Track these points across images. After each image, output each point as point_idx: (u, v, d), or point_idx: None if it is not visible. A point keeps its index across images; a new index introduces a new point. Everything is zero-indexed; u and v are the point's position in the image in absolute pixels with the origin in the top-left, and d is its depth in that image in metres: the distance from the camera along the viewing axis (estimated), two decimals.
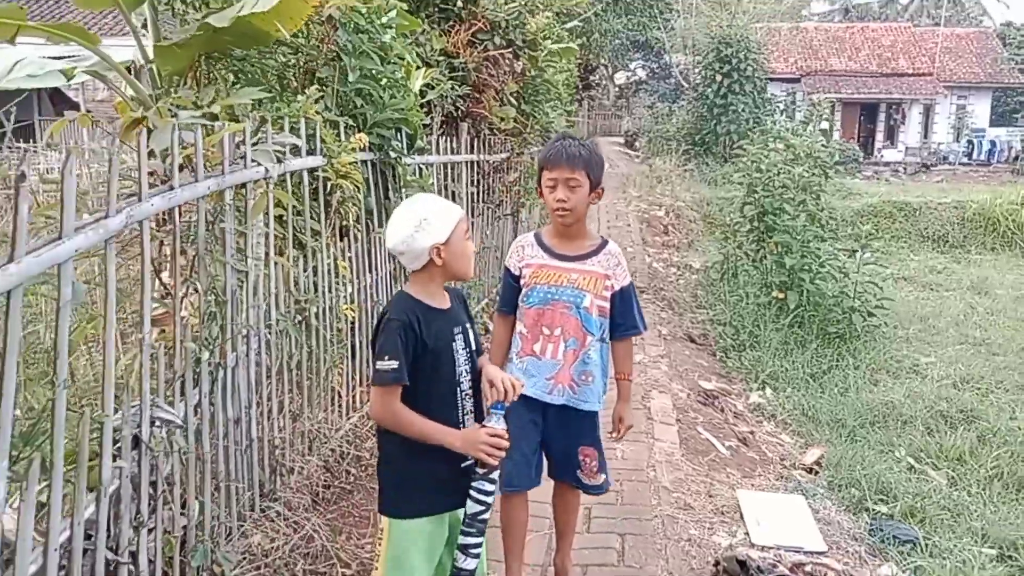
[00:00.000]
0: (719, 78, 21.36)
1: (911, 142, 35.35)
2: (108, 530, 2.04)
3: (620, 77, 40.12)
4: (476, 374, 2.42)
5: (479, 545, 2.30)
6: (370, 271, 4.52)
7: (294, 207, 3.33)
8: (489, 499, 2.29)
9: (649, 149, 24.05)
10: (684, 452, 4.88)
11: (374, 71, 4.44)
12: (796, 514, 4.11)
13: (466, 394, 2.39)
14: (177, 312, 2.34)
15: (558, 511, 3.19)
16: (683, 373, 6.55)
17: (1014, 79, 36.29)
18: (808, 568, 3.61)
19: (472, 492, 2.27)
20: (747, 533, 3.86)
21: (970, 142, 34.76)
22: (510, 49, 7.03)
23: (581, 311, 2.90)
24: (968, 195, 17.44)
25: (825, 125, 10.73)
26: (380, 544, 2.35)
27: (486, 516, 2.30)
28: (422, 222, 2.24)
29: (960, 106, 36.33)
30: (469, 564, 2.29)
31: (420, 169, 5.43)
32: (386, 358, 2.23)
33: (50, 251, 1.58)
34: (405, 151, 4.93)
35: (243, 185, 2.89)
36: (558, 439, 3.01)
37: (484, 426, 2.27)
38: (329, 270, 3.79)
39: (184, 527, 2.50)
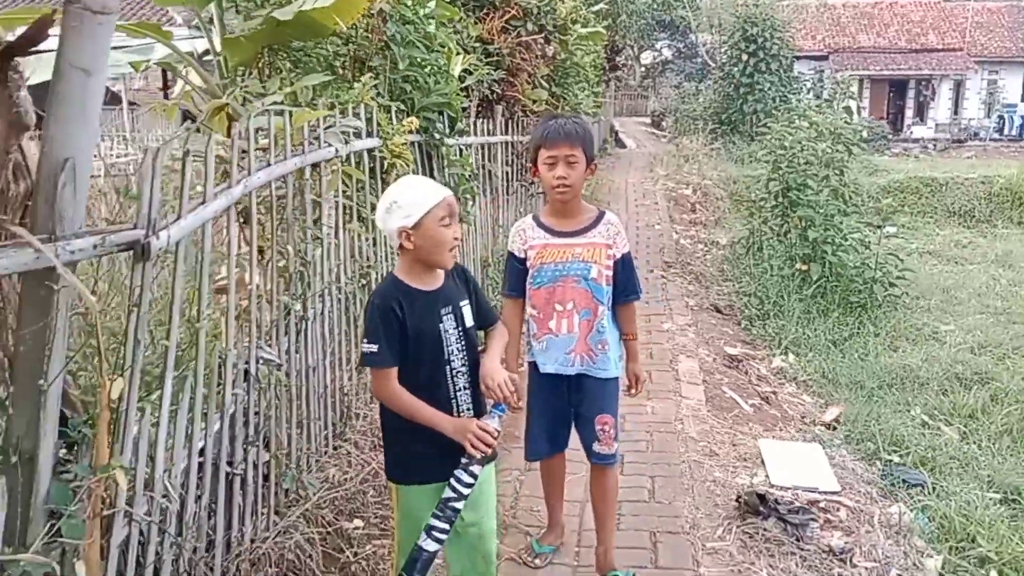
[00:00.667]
0: (745, 57, 21.47)
1: (941, 118, 35.13)
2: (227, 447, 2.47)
3: (646, 57, 40.14)
4: (474, 351, 2.47)
5: (444, 531, 2.31)
6: None
7: (358, 182, 3.74)
8: (465, 490, 2.31)
9: (676, 129, 24.25)
10: (710, 408, 5.26)
11: (420, 59, 4.83)
12: (813, 460, 4.48)
13: (458, 372, 2.42)
14: (273, 270, 2.76)
15: (596, 498, 3.28)
16: (709, 340, 6.91)
17: None
18: (822, 504, 3.99)
19: (452, 478, 2.31)
20: (767, 476, 4.24)
21: (1001, 117, 34.44)
22: (541, 34, 7.40)
23: (590, 282, 3.00)
24: (996, 170, 17.49)
25: (850, 103, 10.88)
26: (393, 505, 2.53)
27: (458, 506, 2.31)
28: (392, 205, 2.29)
29: (991, 81, 35.97)
30: (430, 545, 2.29)
31: (460, 150, 5.82)
32: (366, 341, 2.33)
33: (198, 213, 2.00)
34: (447, 133, 5.33)
35: (317, 164, 3.30)
36: (582, 409, 3.13)
37: (481, 420, 2.35)
38: (386, 240, 4.20)
39: (277, 454, 2.93)
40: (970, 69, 34.66)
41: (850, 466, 4.64)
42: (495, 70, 6.81)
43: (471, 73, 6.19)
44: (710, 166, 17.44)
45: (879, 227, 11.88)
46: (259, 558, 2.63)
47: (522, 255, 3.07)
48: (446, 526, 2.30)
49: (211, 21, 4.79)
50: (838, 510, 4.00)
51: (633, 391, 3.23)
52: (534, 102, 7.58)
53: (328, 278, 3.40)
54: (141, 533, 1.94)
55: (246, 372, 2.54)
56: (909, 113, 35.92)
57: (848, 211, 8.76)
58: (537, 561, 3.34)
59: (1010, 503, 4.53)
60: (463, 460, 2.30)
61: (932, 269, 11.62)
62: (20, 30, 1.51)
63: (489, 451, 2.32)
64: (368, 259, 3.92)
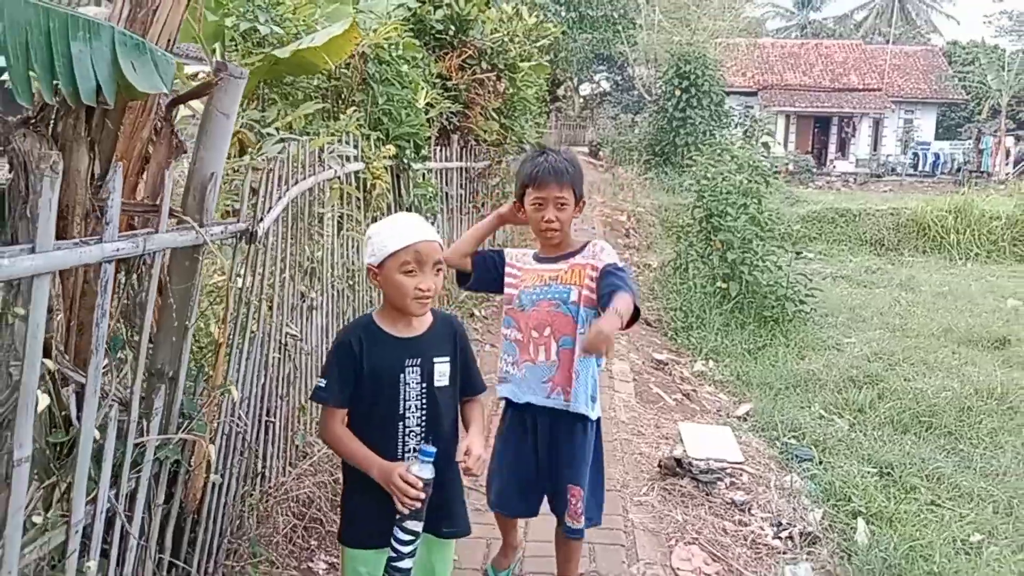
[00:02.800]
0: (678, 92, 22.77)
1: (861, 154, 37.03)
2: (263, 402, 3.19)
3: (585, 88, 41.51)
4: (436, 413, 2.29)
5: None
6: None
7: (349, 196, 4.49)
8: (404, 548, 2.15)
9: (612, 158, 25.45)
10: (638, 401, 6.10)
11: (394, 95, 5.61)
12: (723, 438, 5.34)
13: (411, 431, 2.26)
14: (296, 265, 3.50)
15: (560, 556, 3.13)
16: (639, 347, 7.78)
17: (958, 95, 38.11)
18: (728, 470, 4.85)
19: (391, 536, 2.16)
20: (685, 450, 5.08)
21: (915, 154, 36.44)
22: (494, 72, 8.24)
23: (570, 306, 2.82)
24: (905, 203, 18.97)
25: (767, 139, 11.97)
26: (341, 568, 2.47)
27: (401, 565, 2.15)
28: (368, 239, 2.24)
29: (908, 120, 38.12)
30: None
31: (423, 174, 6.60)
32: (320, 376, 2.29)
33: (271, 213, 2.74)
34: (414, 158, 6.11)
35: (321, 182, 4.04)
36: (548, 466, 2.93)
37: (408, 468, 2.14)
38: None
39: (289, 416, 3.65)
40: (888, 108, 36.66)
41: (754, 445, 5.52)
42: (453, 103, 7.62)
43: (433, 106, 6.99)
44: (644, 194, 18.56)
45: (798, 254, 13.01)
46: (285, 492, 3.34)
47: (506, 260, 2.99)
48: None
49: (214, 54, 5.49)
50: (741, 475, 4.86)
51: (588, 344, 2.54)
52: (486, 132, 8.41)
53: (328, 275, 4.13)
54: (226, 436, 2.67)
55: (280, 343, 3.26)
56: (832, 148, 37.78)
57: (764, 236, 9.76)
58: None
59: (884, 475, 5.45)
60: (396, 516, 2.14)
61: (843, 291, 12.75)
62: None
63: (417, 504, 2.11)
64: (354, 263, 4.65)
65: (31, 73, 1.82)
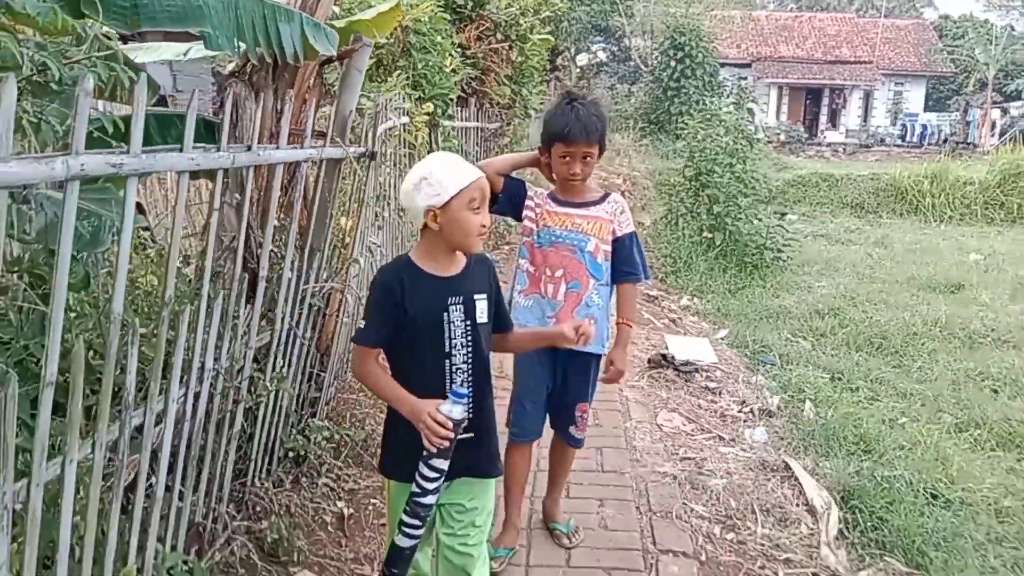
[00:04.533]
0: (673, 64, 23.78)
1: (852, 125, 37.72)
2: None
3: (582, 59, 42.31)
4: (481, 349, 2.29)
5: (416, 527, 2.19)
6: None
7: (402, 142, 5.58)
8: (428, 484, 2.15)
9: (609, 126, 26.43)
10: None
11: (430, 62, 6.68)
12: (701, 345, 6.49)
13: (458, 368, 2.25)
14: (372, 189, 4.59)
15: (554, 461, 3.41)
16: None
17: (947, 68, 38.91)
18: (704, 367, 6.00)
19: (416, 472, 2.16)
20: (669, 352, 6.22)
21: (904, 125, 37.30)
22: (507, 42, 9.29)
23: (585, 255, 2.98)
24: (885, 169, 20.07)
25: (751, 105, 13.04)
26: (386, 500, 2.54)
27: (424, 501, 2.17)
28: (421, 181, 2.17)
29: (897, 92, 38.78)
30: (403, 542, 2.21)
31: (448, 131, 7.69)
32: (361, 319, 2.29)
33: (379, 141, 3.84)
34: (443, 116, 7.19)
35: (394, 126, 5.14)
36: (562, 390, 3.16)
37: (439, 407, 2.12)
38: None
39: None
40: (878, 80, 37.29)
41: (729, 354, 6.68)
42: (472, 69, 8.68)
43: (456, 72, 8.05)
44: (639, 160, 19.60)
45: (783, 215, 14.09)
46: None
47: (527, 192, 3.14)
48: (416, 522, 2.19)
49: None
50: (715, 372, 6.02)
51: (604, 375, 3.14)
52: (499, 96, 9.48)
53: (392, 203, 5.23)
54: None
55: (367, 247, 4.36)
56: (823, 119, 38.52)
57: (747, 193, 10.87)
58: (494, 564, 3.12)
59: (835, 379, 6.60)
60: (423, 452, 2.15)
61: (821, 247, 13.88)
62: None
63: (445, 443, 2.11)
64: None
65: (241, 42, 2.92)
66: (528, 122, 13.97)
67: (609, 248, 3.02)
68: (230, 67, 3.22)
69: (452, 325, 2.24)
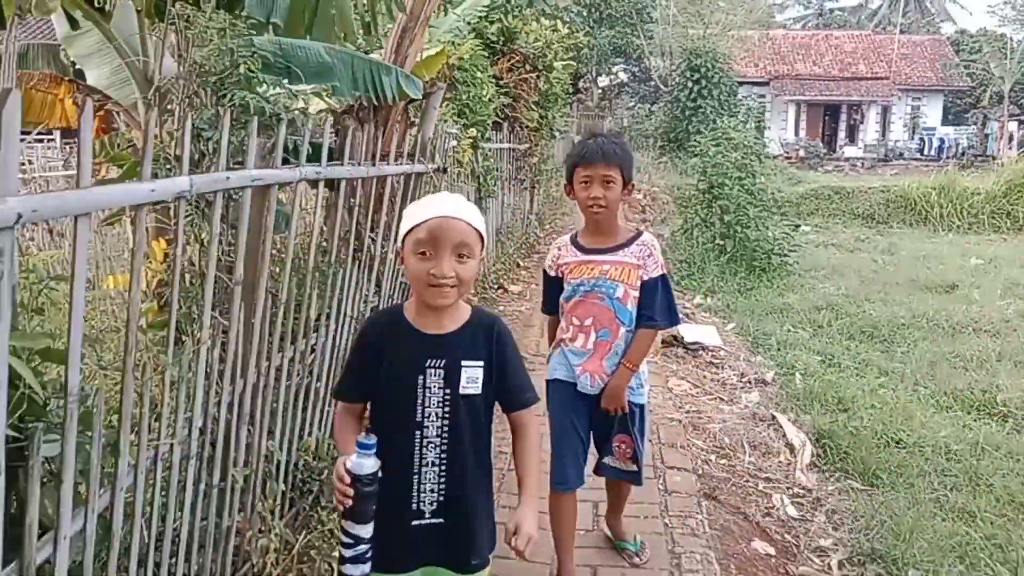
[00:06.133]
0: (690, 84, 24.87)
1: (870, 139, 38.41)
2: None
3: (603, 80, 43.56)
4: (461, 425, 1.99)
5: None
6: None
7: (454, 161, 6.70)
8: (346, 552, 1.90)
9: (630, 145, 27.55)
10: None
11: (473, 93, 7.83)
12: (708, 330, 7.53)
13: (429, 442, 1.97)
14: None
15: (609, 491, 3.45)
16: None
17: (963, 82, 39.56)
18: (710, 348, 7.04)
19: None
20: (680, 335, 7.27)
21: (921, 139, 37.98)
22: (535, 72, 10.44)
23: (614, 301, 2.94)
24: (895, 181, 21.00)
25: (765, 123, 14.09)
26: None
27: (345, 571, 1.91)
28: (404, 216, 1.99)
29: (914, 107, 39.48)
30: None
31: (487, 151, 8.82)
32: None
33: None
34: (482, 140, 8.33)
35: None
36: (600, 426, 3.11)
37: (346, 460, 1.88)
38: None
39: None
40: (895, 96, 38.05)
41: (733, 339, 7.72)
42: (505, 97, 9.84)
43: (492, 101, 9.19)
44: (659, 176, 20.71)
45: (796, 227, 15.11)
46: None
47: (553, 273, 3.11)
48: None
49: None
50: (719, 352, 7.06)
51: (603, 405, 3.02)
52: (529, 120, 10.63)
53: None
54: None
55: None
56: (841, 134, 39.31)
57: (755, 203, 11.91)
58: None
59: (826, 361, 7.61)
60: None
61: (830, 255, 14.86)
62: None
63: (348, 502, 1.85)
64: None
65: (355, 91, 4.06)
66: (553, 143, 15.12)
67: (636, 293, 2.96)
68: (341, 106, 4.36)
69: (427, 391, 1.97)
